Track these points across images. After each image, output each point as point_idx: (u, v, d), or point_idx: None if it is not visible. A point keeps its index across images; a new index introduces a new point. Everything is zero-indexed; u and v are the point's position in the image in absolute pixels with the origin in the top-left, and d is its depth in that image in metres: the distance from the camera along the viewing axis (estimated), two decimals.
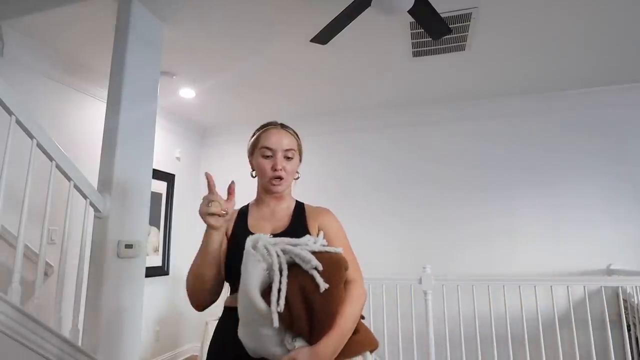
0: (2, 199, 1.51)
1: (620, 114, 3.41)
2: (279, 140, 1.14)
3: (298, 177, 1.23)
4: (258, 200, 1.21)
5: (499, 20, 2.41)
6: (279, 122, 1.21)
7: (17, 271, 1.53)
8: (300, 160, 1.22)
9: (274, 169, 1.12)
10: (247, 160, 1.21)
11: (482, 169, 3.67)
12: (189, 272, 1.07)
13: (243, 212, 1.20)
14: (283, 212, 1.17)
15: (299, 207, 1.20)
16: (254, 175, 1.21)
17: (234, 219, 1.18)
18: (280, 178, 1.13)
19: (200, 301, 1.08)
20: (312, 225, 1.13)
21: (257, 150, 1.16)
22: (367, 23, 2.29)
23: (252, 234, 1.08)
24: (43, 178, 1.71)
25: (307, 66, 3.02)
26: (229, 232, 1.15)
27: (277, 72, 3.12)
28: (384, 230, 3.81)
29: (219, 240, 1.03)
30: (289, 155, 1.15)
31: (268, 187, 1.15)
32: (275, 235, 1.08)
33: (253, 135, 1.20)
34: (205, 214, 0.97)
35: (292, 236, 1.07)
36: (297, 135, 1.21)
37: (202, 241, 1.02)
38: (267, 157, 1.14)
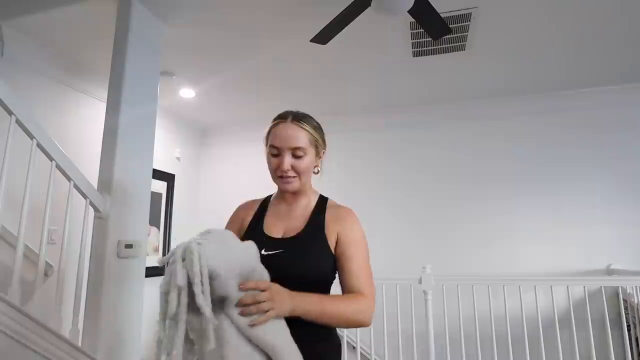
0: (2, 199, 1.51)
1: (620, 114, 3.41)
2: (286, 138, 1.04)
3: (318, 172, 1.14)
4: (278, 195, 1.16)
5: (499, 20, 2.41)
6: (294, 111, 1.09)
7: (17, 271, 1.53)
8: (321, 153, 1.12)
9: (280, 170, 1.05)
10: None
11: (482, 169, 3.67)
12: None
13: (264, 206, 1.16)
14: (300, 211, 1.10)
15: (321, 206, 1.11)
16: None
17: (254, 210, 1.15)
18: (288, 178, 1.06)
19: None
20: (331, 230, 1.05)
21: (267, 146, 1.09)
22: (367, 23, 2.29)
23: (266, 235, 1.06)
24: (43, 178, 1.70)
25: (306, 66, 3.02)
26: (246, 223, 1.12)
27: (277, 72, 3.12)
28: (383, 230, 3.80)
29: None
30: (298, 154, 1.04)
31: (278, 185, 1.10)
32: (286, 240, 1.04)
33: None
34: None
35: (305, 241, 1.02)
36: (313, 127, 1.08)
37: None
38: (274, 155, 1.07)
